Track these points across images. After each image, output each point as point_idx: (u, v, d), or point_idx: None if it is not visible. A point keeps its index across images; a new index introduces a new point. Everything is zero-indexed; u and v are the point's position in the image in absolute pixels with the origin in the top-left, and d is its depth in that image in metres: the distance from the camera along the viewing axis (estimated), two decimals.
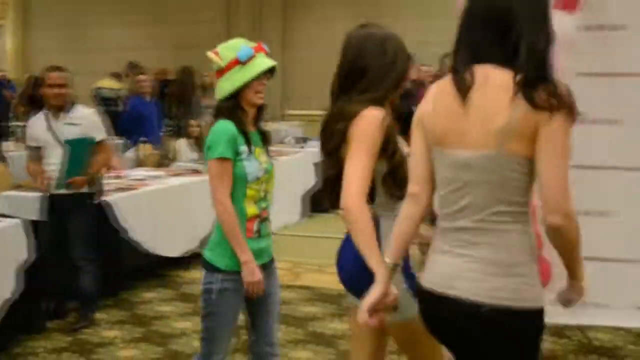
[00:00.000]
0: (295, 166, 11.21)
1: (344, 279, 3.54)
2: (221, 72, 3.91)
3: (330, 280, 7.48)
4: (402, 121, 5.44)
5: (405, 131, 3.64)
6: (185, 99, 12.00)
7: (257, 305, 4.13)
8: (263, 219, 4.04)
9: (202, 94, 12.74)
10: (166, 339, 6.23)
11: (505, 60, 2.65)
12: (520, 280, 2.66)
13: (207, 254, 4.01)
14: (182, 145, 10.45)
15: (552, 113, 2.54)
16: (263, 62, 3.90)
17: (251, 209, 3.96)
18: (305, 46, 19.77)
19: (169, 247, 8.08)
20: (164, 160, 10.01)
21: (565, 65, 5.27)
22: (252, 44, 3.94)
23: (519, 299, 2.64)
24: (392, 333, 3.55)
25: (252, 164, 3.92)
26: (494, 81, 2.65)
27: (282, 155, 11.04)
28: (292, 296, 7.30)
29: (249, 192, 3.93)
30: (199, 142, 10.81)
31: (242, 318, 4.19)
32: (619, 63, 5.62)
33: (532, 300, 2.67)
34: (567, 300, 2.88)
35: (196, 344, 6.00)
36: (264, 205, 4.02)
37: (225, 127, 3.86)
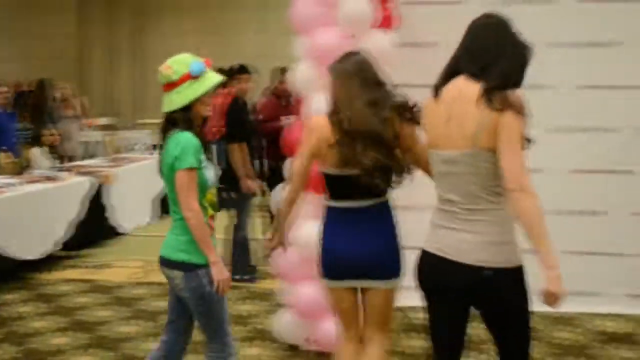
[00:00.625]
0: (146, 171, 11.10)
1: (375, 262, 3.87)
2: (172, 85, 3.86)
3: None
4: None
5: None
6: (41, 109, 11.71)
7: None
8: (213, 217, 4.09)
9: (59, 104, 12.44)
10: (25, 338, 6.07)
11: (475, 74, 3.24)
12: (508, 248, 3.25)
13: (184, 256, 3.89)
14: (37, 154, 10.21)
15: (504, 112, 3.12)
16: (214, 77, 3.90)
17: (209, 210, 3.99)
18: (156, 59, 19.55)
19: (27, 250, 7.96)
20: (21, 168, 9.75)
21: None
22: (201, 59, 3.91)
23: (509, 261, 3.23)
24: (383, 295, 3.92)
25: (210, 172, 3.97)
26: (466, 95, 3.23)
27: (134, 162, 11.15)
28: (144, 292, 7.34)
29: (208, 196, 3.98)
30: (54, 151, 10.60)
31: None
32: (432, 76, 5.89)
33: (518, 260, 3.27)
34: (548, 295, 3.10)
35: (54, 341, 5.93)
36: (214, 206, 4.07)
37: (191, 138, 3.81)
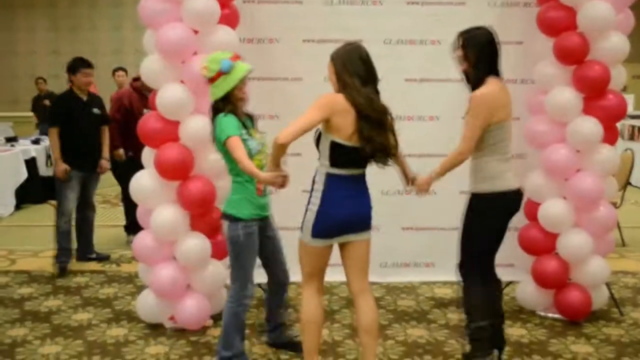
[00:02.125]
0: (7, 163, 10.83)
1: (367, 217, 4.34)
2: (211, 80, 4.48)
3: (45, 264, 7.33)
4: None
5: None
6: None
7: (269, 247, 4.82)
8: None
9: None
10: None
11: (497, 74, 4.53)
12: None
13: (230, 210, 4.57)
14: None
15: None
16: (242, 69, 4.49)
17: None
18: (10, 54, 18.89)
19: None
20: None
21: None
22: (229, 54, 4.51)
23: None
24: (369, 244, 4.39)
25: (253, 142, 4.54)
26: (505, 87, 4.53)
27: None
28: (8, 280, 7.03)
29: (255, 162, 4.47)
30: None
31: None
32: (272, 69, 6.00)
33: None
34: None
35: None
36: (264, 171, 4.46)
37: (225, 118, 4.45)
